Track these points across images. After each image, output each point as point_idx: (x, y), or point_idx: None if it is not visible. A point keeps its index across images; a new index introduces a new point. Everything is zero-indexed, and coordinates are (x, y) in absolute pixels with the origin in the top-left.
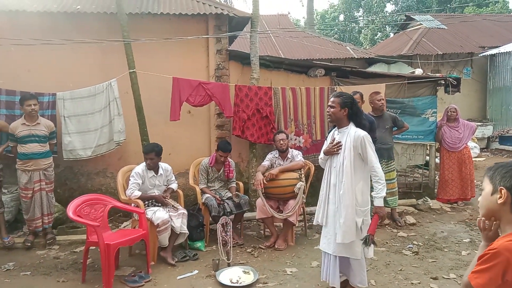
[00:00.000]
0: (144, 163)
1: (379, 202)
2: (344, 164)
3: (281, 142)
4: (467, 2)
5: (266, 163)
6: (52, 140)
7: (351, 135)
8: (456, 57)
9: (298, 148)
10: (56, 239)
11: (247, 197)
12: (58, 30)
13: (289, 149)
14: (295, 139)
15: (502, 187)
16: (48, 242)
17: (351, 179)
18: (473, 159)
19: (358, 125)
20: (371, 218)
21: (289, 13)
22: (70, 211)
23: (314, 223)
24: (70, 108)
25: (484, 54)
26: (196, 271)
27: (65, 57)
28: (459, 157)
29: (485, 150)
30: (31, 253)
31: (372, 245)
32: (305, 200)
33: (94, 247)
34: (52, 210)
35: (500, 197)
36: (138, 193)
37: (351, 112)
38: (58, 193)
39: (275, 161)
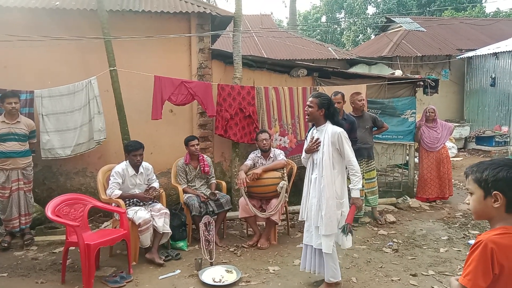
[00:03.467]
0: (124, 162)
1: (356, 194)
2: (324, 159)
3: (264, 141)
4: (445, 5)
5: (248, 162)
6: (32, 140)
7: (328, 132)
8: (434, 59)
9: (284, 148)
10: (34, 239)
11: (228, 196)
12: (37, 27)
13: (272, 148)
14: (280, 140)
15: (497, 192)
16: (26, 243)
17: (331, 173)
18: (451, 158)
19: (335, 123)
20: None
21: (272, 14)
22: (48, 211)
23: (299, 219)
24: (48, 106)
25: (461, 56)
26: (178, 271)
27: (43, 54)
28: (438, 156)
29: (463, 150)
30: (8, 254)
31: (349, 235)
32: (287, 199)
33: (73, 248)
34: (30, 210)
35: (496, 201)
36: (119, 192)
37: (327, 112)
38: (37, 193)
39: (258, 160)
